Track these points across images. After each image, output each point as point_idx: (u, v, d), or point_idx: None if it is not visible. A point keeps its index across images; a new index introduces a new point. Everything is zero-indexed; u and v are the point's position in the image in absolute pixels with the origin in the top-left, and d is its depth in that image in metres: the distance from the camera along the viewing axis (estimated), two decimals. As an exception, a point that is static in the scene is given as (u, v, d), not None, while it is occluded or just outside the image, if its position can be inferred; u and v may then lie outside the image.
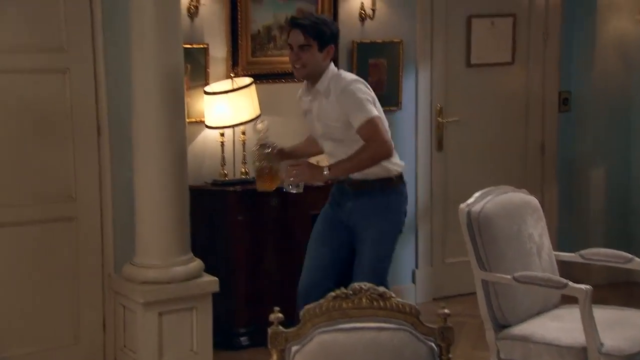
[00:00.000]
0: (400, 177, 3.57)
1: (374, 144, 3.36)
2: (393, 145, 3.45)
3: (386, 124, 3.47)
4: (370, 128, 3.35)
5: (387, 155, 3.43)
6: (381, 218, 3.50)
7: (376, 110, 3.41)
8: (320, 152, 3.70)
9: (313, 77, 3.48)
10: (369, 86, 3.50)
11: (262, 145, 3.50)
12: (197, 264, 3.98)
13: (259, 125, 3.57)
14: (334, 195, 3.63)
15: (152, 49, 3.78)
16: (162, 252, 3.87)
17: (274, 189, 3.63)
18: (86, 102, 4.04)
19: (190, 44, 4.28)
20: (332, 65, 3.49)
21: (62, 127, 3.98)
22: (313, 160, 3.71)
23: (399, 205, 3.57)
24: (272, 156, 3.51)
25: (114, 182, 4.13)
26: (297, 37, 3.41)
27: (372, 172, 3.46)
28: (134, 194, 3.92)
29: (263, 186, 3.61)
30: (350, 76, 3.52)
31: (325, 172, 3.40)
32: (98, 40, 4.03)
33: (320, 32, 3.40)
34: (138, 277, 3.87)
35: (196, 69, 4.40)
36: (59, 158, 4.01)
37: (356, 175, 3.47)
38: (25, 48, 3.88)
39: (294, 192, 3.44)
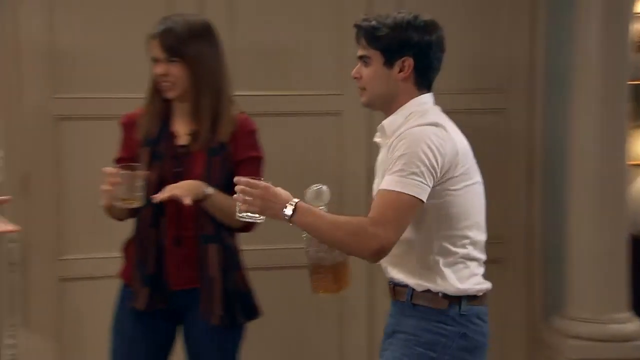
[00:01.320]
0: (460, 303, 2.23)
1: (370, 227, 2.10)
2: (384, 250, 2.12)
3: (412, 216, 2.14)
4: (382, 202, 2.12)
5: (368, 253, 2.12)
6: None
7: (419, 185, 2.11)
8: None
9: (383, 107, 2.32)
10: (453, 138, 2.21)
11: None
12: (635, 325, 3.59)
13: (324, 191, 2.32)
14: None
15: (594, 86, 3.54)
16: (594, 306, 3.56)
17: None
18: (520, 143, 3.91)
19: (635, 80, 3.92)
20: (423, 96, 2.28)
21: (499, 166, 3.87)
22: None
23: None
24: None
25: (544, 226, 3.91)
26: (358, 47, 2.33)
27: (418, 277, 2.25)
28: (566, 238, 3.67)
29: (331, 287, 2.34)
30: (432, 117, 2.24)
31: (285, 213, 2.15)
32: (536, 82, 3.87)
33: (382, 38, 2.25)
34: (568, 330, 3.61)
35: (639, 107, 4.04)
36: (492, 198, 3.90)
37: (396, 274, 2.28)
38: (466, 89, 3.85)
39: (250, 220, 2.28)
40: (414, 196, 2.10)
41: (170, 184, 2.50)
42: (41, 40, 3.47)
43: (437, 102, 3.69)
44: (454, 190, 2.20)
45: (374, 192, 2.26)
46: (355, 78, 2.30)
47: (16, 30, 3.45)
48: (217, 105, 2.60)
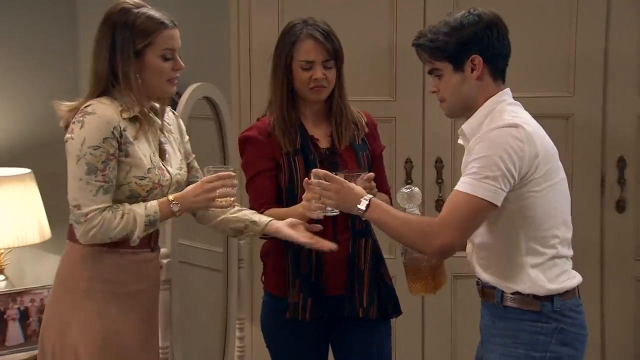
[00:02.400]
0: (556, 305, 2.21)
1: (436, 226, 2.14)
2: (447, 250, 2.16)
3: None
4: (453, 203, 2.14)
5: (432, 251, 2.18)
6: None
7: (493, 189, 2.10)
8: None
9: (465, 113, 2.28)
10: (532, 138, 2.14)
11: None
12: None
13: (416, 192, 2.43)
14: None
15: None
16: None
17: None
18: None
19: None
20: (500, 94, 2.25)
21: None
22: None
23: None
24: None
25: None
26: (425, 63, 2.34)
27: (507, 279, 2.23)
28: None
29: (429, 287, 2.43)
30: (511, 117, 2.18)
31: (359, 207, 2.25)
32: None
33: (443, 47, 2.22)
34: None
35: None
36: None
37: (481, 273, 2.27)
38: None
39: (326, 214, 2.41)
40: (485, 199, 2.10)
41: None
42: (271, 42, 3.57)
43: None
44: (537, 191, 2.16)
45: None
46: (434, 92, 2.31)
47: (248, 35, 3.58)
48: (346, 103, 2.66)
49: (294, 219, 2.49)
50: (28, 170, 3.52)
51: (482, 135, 2.16)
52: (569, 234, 2.26)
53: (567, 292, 2.22)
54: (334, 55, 2.59)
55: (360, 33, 3.52)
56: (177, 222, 2.97)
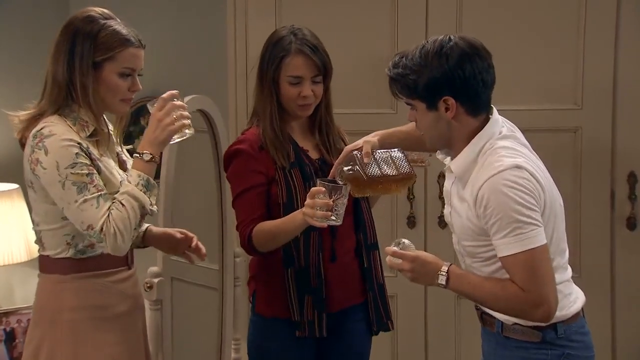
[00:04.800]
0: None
1: (526, 297, 2.03)
2: (552, 316, 2.07)
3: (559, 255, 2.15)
4: (526, 268, 2.02)
5: (539, 320, 2.08)
6: None
7: (538, 231, 2.03)
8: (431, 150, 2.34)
9: (447, 146, 2.20)
10: (536, 176, 2.06)
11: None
12: None
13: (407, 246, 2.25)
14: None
15: None
16: None
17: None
18: None
19: None
20: (489, 127, 2.12)
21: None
22: None
23: None
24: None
25: None
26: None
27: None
28: None
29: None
30: (511, 158, 2.05)
31: (440, 281, 2.10)
32: None
33: (413, 86, 2.09)
34: None
35: None
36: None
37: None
38: None
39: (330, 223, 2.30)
40: (540, 245, 2.02)
41: None
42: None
43: None
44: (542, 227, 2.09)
45: (447, 219, 2.25)
46: (413, 121, 2.21)
47: (245, 45, 3.49)
48: (332, 115, 2.62)
49: (170, 238, 2.49)
50: (16, 186, 3.43)
51: (486, 183, 2.03)
52: (565, 259, 2.19)
53: (570, 317, 2.17)
54: (323, 71, 2.52)
55: (361, 45, 3.45)
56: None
